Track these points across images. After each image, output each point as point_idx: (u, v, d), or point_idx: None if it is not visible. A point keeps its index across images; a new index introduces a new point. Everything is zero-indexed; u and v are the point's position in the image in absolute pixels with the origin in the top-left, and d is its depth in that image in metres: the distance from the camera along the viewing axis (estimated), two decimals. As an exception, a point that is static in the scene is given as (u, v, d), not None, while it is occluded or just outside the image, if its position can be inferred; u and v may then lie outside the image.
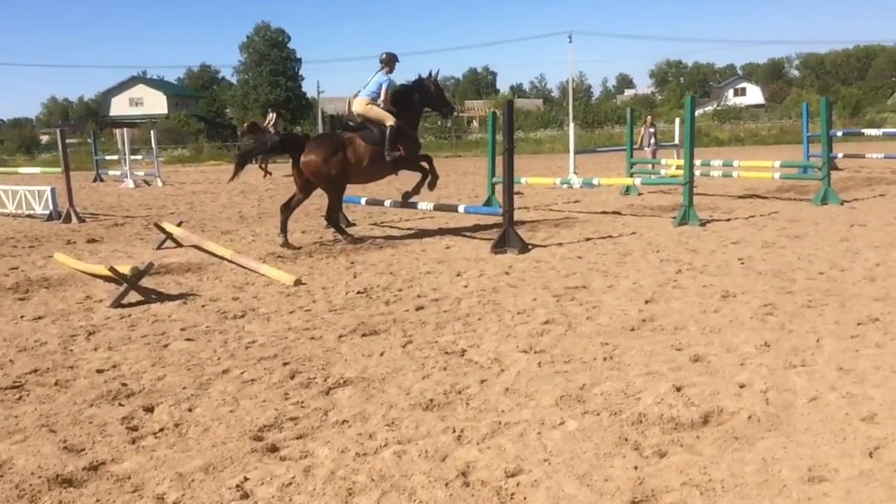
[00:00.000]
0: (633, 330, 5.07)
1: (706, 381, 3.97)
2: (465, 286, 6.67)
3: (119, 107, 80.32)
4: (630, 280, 6.65)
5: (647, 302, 5.83)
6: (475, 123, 65.47)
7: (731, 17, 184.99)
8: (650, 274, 6.88)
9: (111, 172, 23.85)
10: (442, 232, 10.12)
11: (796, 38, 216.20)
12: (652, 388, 3.90)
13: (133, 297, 6.34)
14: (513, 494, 2.85)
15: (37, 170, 17.80)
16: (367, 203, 10.79)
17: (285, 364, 4.54)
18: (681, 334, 4.92)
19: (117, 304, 6.15)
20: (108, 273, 6.48)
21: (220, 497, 2.89)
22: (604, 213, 11.80)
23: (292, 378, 4.29)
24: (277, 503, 2.85)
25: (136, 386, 4.21)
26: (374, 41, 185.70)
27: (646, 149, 18.65)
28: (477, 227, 10.30)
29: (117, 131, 25.82)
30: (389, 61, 9.66)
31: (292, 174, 9.61)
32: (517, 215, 11.21)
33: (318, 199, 14.80)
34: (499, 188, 11.06)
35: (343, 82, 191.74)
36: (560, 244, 8.74)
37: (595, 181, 11.72)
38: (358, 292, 6.52)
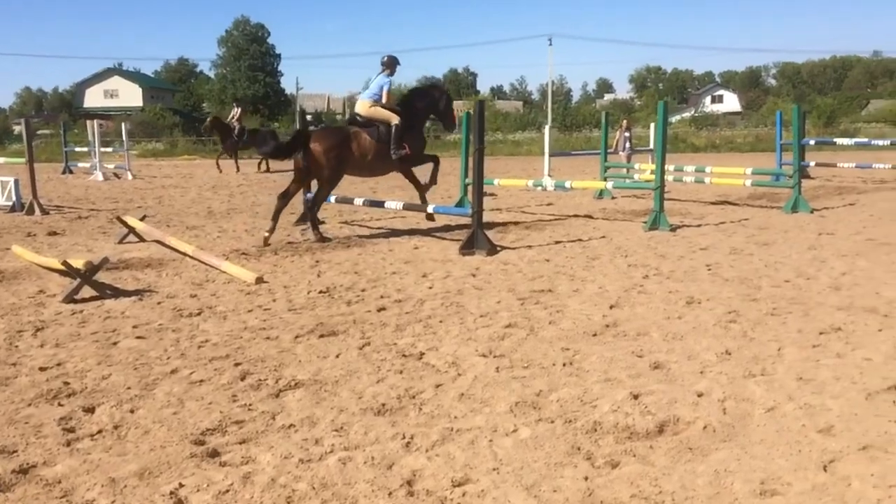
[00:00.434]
0: (595, 335, 5.00)
1: (664, 390, 3.90)
2: (430, 287, 6.57)
3: (93, 98, 79.29)
4: (596, 284, 6.59)
5: (611, 307, 5.77)
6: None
7: (711, 25, 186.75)
8: (617, 279, 6.82)
9: (81, 165, 23.44)
10: (412, 232, 10.01)
11: (774, 47, 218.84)
12: (609, 396, 3.82)
13: (88, 292, 6.17)
14: (457, 505, 2.76)
15: (1, 160, 17.41)
16: (338, 201, 10.63)
17: (237, 365, 4.41)
18: (643, 340, 4.86)
19: (70, 299, 5.98)
20: (62, 267, 6.30)
21: (151, 504, 2.77)
22: (576, 216, 11.76)
23: (242, 379, 4.16)
24: (211, 512, 2.73)
25: (79, 385, 4.06)
26: (355, 39, 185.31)
27: (621, 153, 18.64)
28: (448, 228, 10.21)
29: (88, 123, 25.39)
30: (391, 64, 9.76)
31: (293, 163, 9.61)
32: (489, 217, 11.15)
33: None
34: (471, 189, 10.97)
35: (323, 79, 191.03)
36: (529, 247, 8.67)
37: (567, 184, 11.66)
38: (320, 292, 6.39)
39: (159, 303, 6.04)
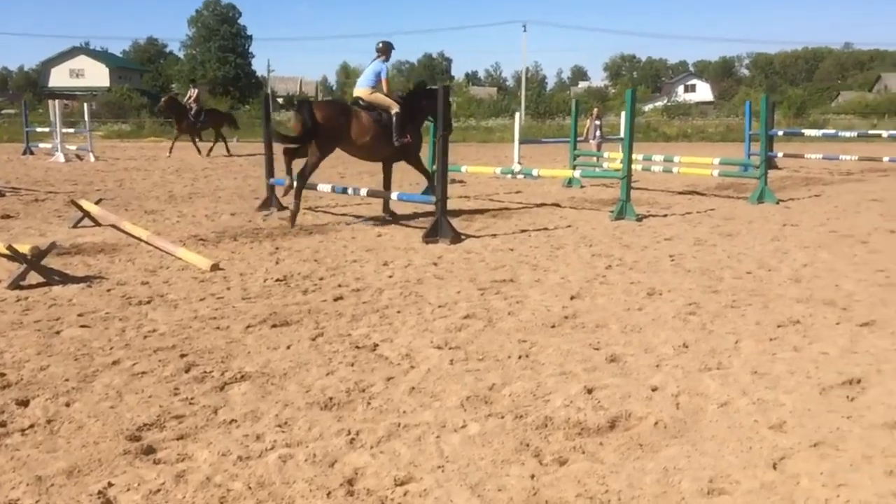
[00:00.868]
0: (553, 327, 4.93)
1: (619, 384, 3.84)
2: (390, 276, 6.46)
3: (59, 78, 77.67)
4: (559, 274, 6.52)
5: (572, 298, 5.70)
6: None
7: (686, 14, 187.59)
8: (580, 269, 6.76)
9: (42, 145, 22.90)
10: (378, 219, 9.87)
11: (748, 38, 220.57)
12: (563, 390, 3.75)
13: (35, 278, 5.97)
14: (397, 506, 2.66)
15: (-40, 140, 16.98)
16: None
17: (182, 356, 4.27)
18: (601, 333, 4.80)
19: (15, 285, 5.77)
20: (7, 252, 6.08)
21: (76, 505, 2.64)
22: (543, 204, 11.69)
23: (187, 371, 4.02)
24: (139, 513, 2.61)
25: (15, 376, 3.89)
26: (329, 22, 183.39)
27: (591, 141, 18.64)
28: (415, 215, 10.08)
29: (50, 103, 24.80)
30: (386, 50, 9.76)
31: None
32: (456, 204, 11.06)
33: (255, 181, 14.42)
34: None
35: (295, 62, 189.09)
36: (494, 235, 8.59)
37: (535, 172, 11.58)
38: (277, 280, 6.25)
39: (109, 290, 5.85)
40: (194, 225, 9.35)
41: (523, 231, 8.90)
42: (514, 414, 3.45)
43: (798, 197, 12.61)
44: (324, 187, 9.97)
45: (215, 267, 6.64)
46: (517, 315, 5.21)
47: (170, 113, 24.05)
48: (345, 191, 9.69)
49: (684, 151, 23.53)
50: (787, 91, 66.44)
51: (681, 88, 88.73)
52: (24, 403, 3.55)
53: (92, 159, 20.79)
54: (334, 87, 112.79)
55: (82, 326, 4.83)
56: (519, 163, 17.42)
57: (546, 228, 9.11)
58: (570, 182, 14.40)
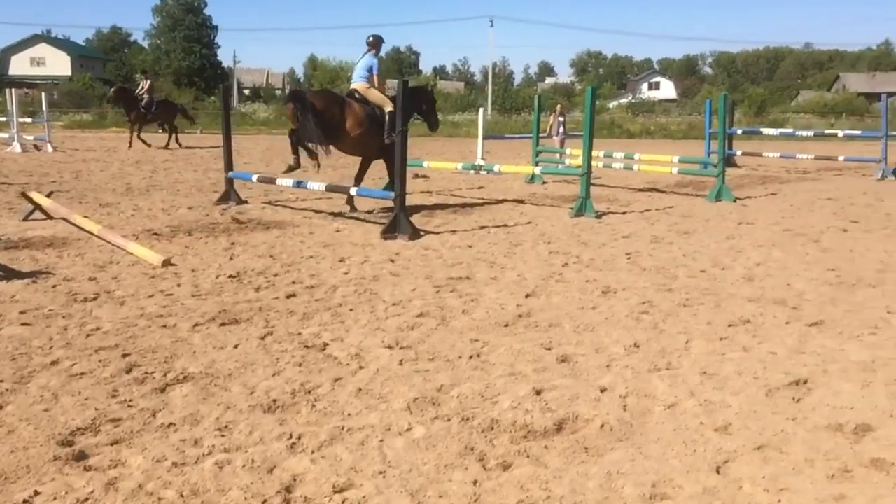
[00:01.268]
0: (506, 326, 4.90)
1: (568, 385, 3.82)
2: (346, 273, 6.38)
3: (19, 66, 75.84)
4: (515, 272, 6.50)
5: (527, 296, 5.68)
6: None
7: (651, 13, 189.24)
8: (536, 266, 6.75)
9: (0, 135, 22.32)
10: (337, 214, 9.77)
11: (711, 37, 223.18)
12: (511, 391, 3.72)
13: (-23, 274, 5.78)
14: (335, 513, 2.60)
15: None
16: (259, 180, 10.31)
17: (125, 356, 4.15)
18: (554, 332, 4.78)
19: (-46, 281, 5.58)
20: (-53, 247, 5.88)
21: (-2, 516, 2.53)
22: (505, 200, 11.68)
23: (128, 372, 3.91)
24: (65, 523, 2.52)
25: (-54, 378, 3.75)
26: (297, 13, 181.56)
27: (554, 137, 18.68)
28: (379, 211, 9.97)
29: (7, 91, 24.16)
30: (376, 43, 9.84)
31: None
32: (418, 200, 11.00)
33: (217, 174, 14.20)
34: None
35: (262, 53, 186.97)
36: (453, 231, 8.54)
37: (496, 168, 11.56)
38: (229, 276, 6.13)
39: (54, 286, 5.69)
40: (149, 219, 9.16)
41: (483, 227, 8.87)
42: (461, 416, 3.41)
43: (755, 195, 12.77)
44: (283, 182, 9.83)
45: (167, 262, 6.50)
46: (471, 313, 5.17)
47: (119, 103, 23.59)
48: (304, 185, 9.55)
49: (646, 149, 23.73)
50: (749, 90, 67.42)
51: (645, 86, 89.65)
52: (-47, 406, 3.41)
53: (50, 150, 20.33)
54: (302, 80, 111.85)
55: (23, 324, 4.68)
56: (483, 158, 17.42)
57: (506, 225, 9.09)
58: (532, 178, 14.40)
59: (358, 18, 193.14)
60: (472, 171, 14.04)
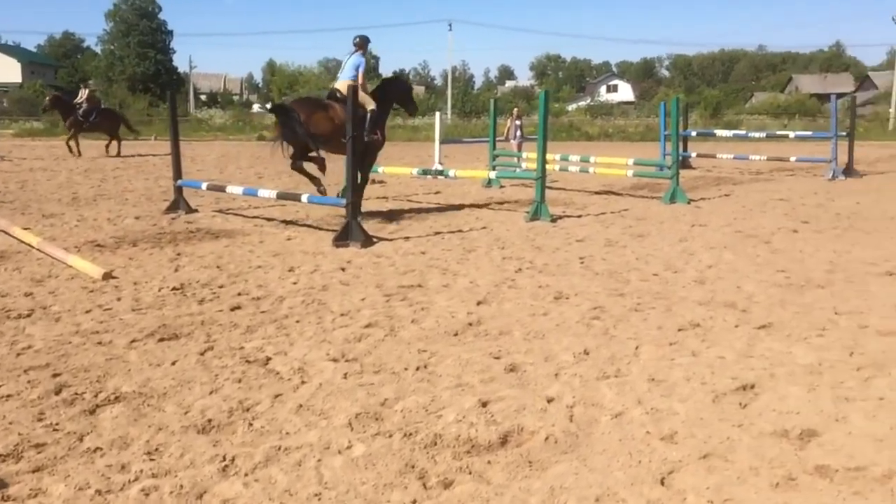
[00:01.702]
0: (456, 335, 4.81)
1: (515, 395, 3.74)
2: (294, 283, 6.23)
3: (-35, 73, 73.71)
4: (468, 279, 6.42)
5: (478, 303, 5.60)
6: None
7: (609, 16, 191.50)
8: (490, 272, 6.68)
9: (-60, 144, 21.63)
10: (289, 222, 9.60)
11: (668, 40, 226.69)
12: (457, 404, 3.63)
13: None
14: (264, 541, 2.48)
15: None
16: (209, 188, 10.09)
17: (55, 375, 3.97)
18: (503, 340, 4.70)
19: None
20: None
21: None
22: (461, 205, 11.61)
23: (57, 393, 3.73)
24: (-28, 562, 2.36)
25: None
26: (254, 17, 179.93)
27: (511, 141, 18.69)
28: (336, 216, 9.79)
29: (-49, 99, 23.44)
30: (362, 44, 9.99)
31: (282, 139, 9.24)
32: (374, 205, 10.87)
33: (168, 182, 13.90)
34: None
35: (219, 59, 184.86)
36: (407, 238, 8.43)
37: (451, 173, 11.50)
38: (173, 288, 5.95)
39: (-14, 303, 5.46)
40: (94, 229, 8.89)
41: (437, 233, 8.78)
42: (404, 432, 3.31)
43: (709, 197, 12.88)
44: (233, 189, 9.63)
45: (108, 275, 6.29)
46: (420, 323, 5.07)
47: (55, 111, 23.06)
48: (254, 192, 9.36)
49: (604, 151, 23.88)
50: (704, 92, 68.45)
51: (603, 88, 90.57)
52: None
53: (-6, 159, 19.73)
54: (260, 85, 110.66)
55: (-53, 345, 4.46)
56: (440, 163, 17.33)
57: (460, 230, 9.02)
58: (489, 182, 14.37)
59: (316, 23, 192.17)
60: (428, 177, 13.93)
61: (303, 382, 3.94)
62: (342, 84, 9.60)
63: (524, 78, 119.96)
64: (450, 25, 59.89)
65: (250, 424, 3.39)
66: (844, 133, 16.97)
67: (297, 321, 5.10)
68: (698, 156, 19.11)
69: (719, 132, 22.95)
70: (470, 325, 5.03)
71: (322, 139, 9.16)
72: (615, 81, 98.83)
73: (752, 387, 3.86)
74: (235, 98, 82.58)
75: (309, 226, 9.30)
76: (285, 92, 60.59)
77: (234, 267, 6.83)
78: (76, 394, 3.72)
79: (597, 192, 13.63)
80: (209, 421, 3.42)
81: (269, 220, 9.77)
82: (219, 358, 4.31)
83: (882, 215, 10.40)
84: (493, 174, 12.10)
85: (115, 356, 4.32)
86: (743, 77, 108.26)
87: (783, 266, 6.90)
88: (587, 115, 56.15)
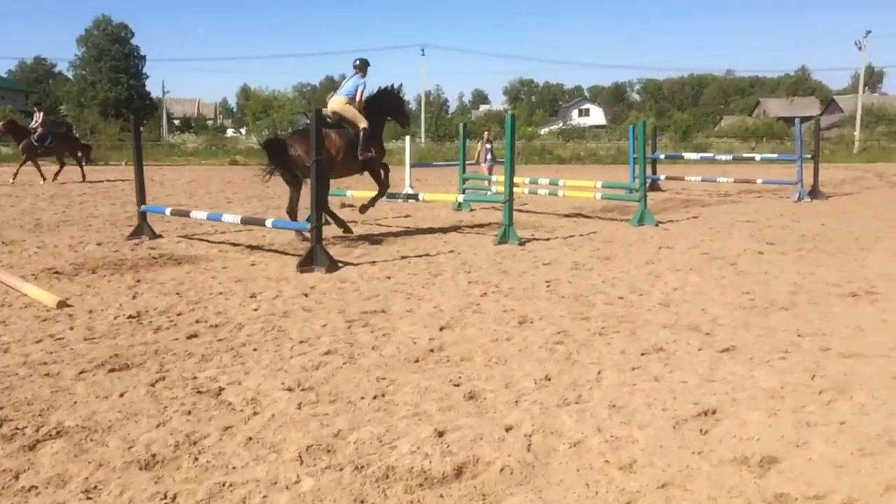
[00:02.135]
0: (416, 362, 4.72)
1: (472, 424, 3.65)
2: (255, 310, 6.11)
3: (-68, 98, 72.66)
4: (432, 303, 6.33)
5: (441, 328, 5.52)
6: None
7: (581, 42, 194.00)
8: (455, 297, 6.60)
9: None
10: (255, 247, 9.46)
11: (639, 64, 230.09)
12: (413, 434, 3.53)
13: None
14: (201, 585, 2.36)
15: None
16: (173, 214, 9.93)
17: (-4, 409, 3.81)
18: (465, 366, 4.62)
19: None
20: None
21: None
22: (430, 229, 11.54)
23: (-4, 428, 3.58)
24: None
25: None
26: (227, 43, 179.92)
27: (482, 164, 18.73)
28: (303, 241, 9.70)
29: (-85, 125, 22.99)
30: (363, 67, 10.30)
31: (277, 174, 9.47)
32: (339, 230, 10.74)
33: (134, 208, 13.71)
34: (333, 200, 10.64)
35: (192, 83, 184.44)
36: (373, 262, 8.34)
37: (420, 196, 11.45)
38: (129, 316, 5.80)
39: (-68, 333, 5.27)
40: (53, 256, 8.69)
41: (404, 257, 8.69)
42: (355, 465, 3.20)
43: (677, 219, 12.95)
44: (197, 214, 9.49)
45: (62, 304, 6.12)
46: (381, 349, 4.98)
47: (9, 136, 22.62)
48: (219, 218, 9.23)
49: (576, 174, 24.04)
50: (674, 115, 69.41)
51: (575, 112, 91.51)
52: None
53: (-42, 185, 19.34)
54: (234, 109, 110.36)
55: None
56: (412, 186, 17.32)
57: (427, 254, 8.94)
58: (459, 206, 14.34)
59: (290, 48, 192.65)
60: (398, 200, 13.85)
61: (255, 413, 3.82)
62: (338, 101, 9.99)
63: (498, 102, 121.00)
64: (422, 51, 60.28)
65: (196, 459, 3.26)
66: (809, 156, 17.21)
67: (255, 349, 4.98)
68: (667, 178, 19.29)
69: (687, 155, 23.22)
70: (431, 351, 4.94)
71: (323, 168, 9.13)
72: (587, 105, 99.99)
73: (714, 412, 3.81)
74: (209, 123, 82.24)
75: (275, 251, 9.17)
76: (259, 116, 60.44)
77: (194, 294, 6.69)
78: (17, 428, 3.57)
79: (566, 215, 13.65)
80: (153, 456, 3.28)
81: (234, 245, 9.63)
82: (169, 389, 4.17)
83: (846, 236, 10.50)
84: (461, 197, 12.06)
85: (62, 388, 4.16)
86: (712, 101, 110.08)
87: (748, 288, 6.91)
88: (559, 138, 56.65)
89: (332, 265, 7.80)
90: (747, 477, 3.08)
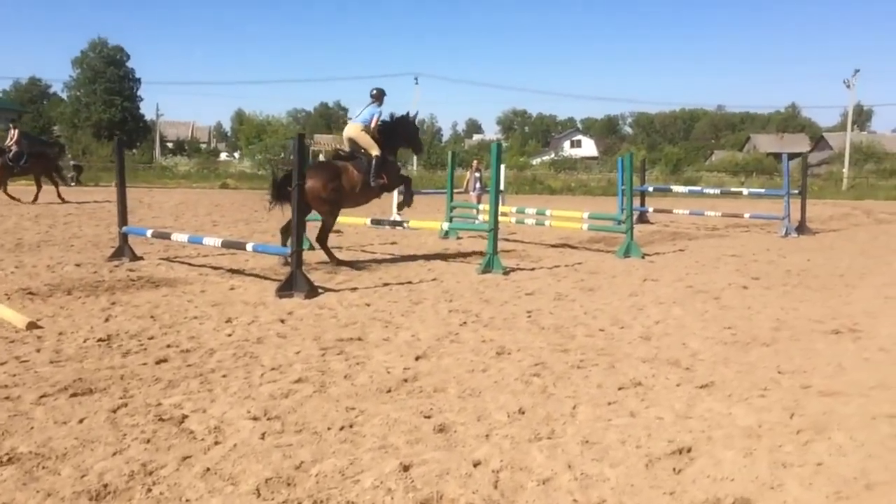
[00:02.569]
0: (388, 392, 4.61)
1: (440, 458, 3.54)
2: (229, 335, 5.99)
3: (-75, 116, 72.49)
4: (410, 332, 6.23)
5: (417, 358, 5.42)
6: (321, 158, 64.56)
7: (575, 74, 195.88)
8: (434, 325, 6.50)
9: None
10: (236, 271, 9.34)
11: (631, 98, 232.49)
12: (377, 468, 3.42)
13: None
14: None
15: None
16: (154, 236, 9.83)
17: (-52, 434, 3.68)
18: (437, 398, 4.51)
19: None
20: None
21: None
22: (414, 256, 11.46)
23: (-55, 454, 3.44)
24: None
25: None
26: (223, 67, 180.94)
27: (471, 193, 18.74)
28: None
29: None
30: (379, 96, 10.55)
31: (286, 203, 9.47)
32: (324, 255, 10.65)
33: (107, 229, 13.59)
34: (311, 225, 10.56)
35: (187, 106, 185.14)
36: (354, 289, 8.24)
37: (406, 223, 11.40)
38: (99, 339, 5.67)
39: None
40: (30, 276, 8.56)
41: (386, 284, 8.60)
42: (314, 499, 3.09)
43: (663, 251, 12.91)
44: (178, 237, 9.38)
45: (32, 325, 5.99)
46: (353, 378, 4.87)
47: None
48: (199, 241, 9.13)
49: (565, 204, 24.07)
50: (665, 149, 69.92)
51: (567, 144, 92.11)
52: None
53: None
54: (228, 133, 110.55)
55: None
56: (399, 213, 17.26)
57: (410, 282, 8.84)
58: (446, 234, 14.28)
59: (286, 74, 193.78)
60: (386, 227, 13.79)
61: (216, 443, 3.70)
62: (354, 127, 10.32)
63: (491, 132, 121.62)
64: (416, 79, 60.49)
65: (149, 490, 3.14)
66: (797, 191, 17.26)
67: (224, 375, 4.86)
68: (656, 210, 19.31)
69: (675, 188, 23.31)
70: (405, 381, 4.84)
71: (337, 202, 9.81)
72: (579, 137, 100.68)
73: (689, 450, 3.71)
74: (203, 146, 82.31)
75: (255, 275, 9.06)
76: (252, 141, 60.52)
77: (168, 317, 6.57)
78: (-34, 455, 3.44)
79: (553, 245, 13.60)
80: (105, 486, 3.16)
81: (215, 268, 9.51)
82: (131, 415, 4.05)
83: (832, 273, 10.47)
84: (446, 225, 12.01)
85: (20, 412, 4.04)
86: (703, 135, 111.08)
87: (730, 323, 6.84)
88: (551, 169, 56.88)
89: (312, 291, 7.70)
90: (719, 519, 2.98)
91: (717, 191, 22.45)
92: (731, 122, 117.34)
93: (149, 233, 9.76)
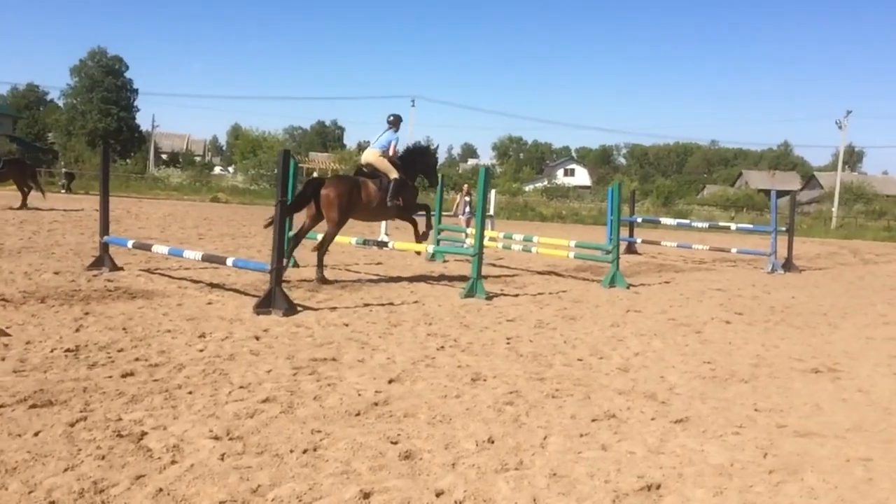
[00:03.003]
0: (357, 415, 4.51)
1: (402, 487, 3.45)
2: (201, 350, 5.88)
3: (-80, 121, 72.23)
4: (386, 354, 6.14)
5: (390, 381, 5.32)
6: (315, 175, 64.51)
7: (571, 104, 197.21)
8: (410, 349, 6.41)
9: None
10: (215, 285, 9.23)
11: (626, 129, 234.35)
12: (336, 494, 3.32)
13: None
14: None
15: None
16: (135, 247, 9.72)
17: None
18: (406, 423, 4.42)
19: None
20: None
21: None
22: (398, 278, 11.38)
23: None
24: None
25: None
26: (221, 82, 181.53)
27: (460, 216, 18.72)
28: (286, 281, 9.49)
29: None
30: (396, 122, 11.03)
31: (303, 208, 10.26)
32: (309, 273, 10.57)
33: (91, 238, 13.46)
34: (309, 243, 10.55)
35: (184, 119, 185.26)
36: (334, 308, 8.14)
37: (391, 244, 11.33)
38: (66, 350, 5.55)
39: None
40: (5, 283, 8.43)
41: (366, 305, 8.50)
42: (267, 525, 2.98)
43: (649, 283, 12.86)
44: (159, 248, 9.28)
45: (0, 333, 5.87)
46: (323, 400, 4.77)
47: None
48: (180, 253, 9.03)
49: (555, 232, 24.07)
50: (658, 181, 70.31)
51: (561, 172, 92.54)
52: None
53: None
54: (224, 147, 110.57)
55: None
56: (387, 234, 17.23)
57: (391, 303, 8.75)
58: (433, 256, 14.22)
59: (282, 90, 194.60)
60: (373, 247, 13.72)
61: (173, 462, 3.59)
62: (373, 153, 10.70)
63: (486, 157, 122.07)
64: (412, 102, 60.84)
65: (97, 509, 3.03)
66: (785, 228, 17.30)
67: (190, 392, 4.75)
68: (644, 242, 19.31)
69: (664, 220, 23.33)
70: (375, 404, 4.74)
71: (355, 210, 10.28)
72: (573, 166, 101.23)
73: (658, 487, 3.63)
74: (198, 159, 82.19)
75: (235, 290, 8.95)
76: (247, 156, 60.48)
77: (141, 330, 6.46)
78: (-89, 465, 3.33)
79: (539, 272, 13.54)
80: (52, 503, 3.05)
81: (195, 282, 9.40)
82: (89, 430, 3.94)
83: (815, 311, 10.44)
84: (431, 248, 11.95)
85: (-26, 423, 3.92)
86: (696, 169, 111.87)
87: (710, 357, 6.77)
88: (543, 196, 57.04)
89: (291, 309, 7.60)
90: (682, 561, 2.89)
91: (706, 224, 22.51)
92: (724, 157, 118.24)
93: (130, 243, 9.65)
